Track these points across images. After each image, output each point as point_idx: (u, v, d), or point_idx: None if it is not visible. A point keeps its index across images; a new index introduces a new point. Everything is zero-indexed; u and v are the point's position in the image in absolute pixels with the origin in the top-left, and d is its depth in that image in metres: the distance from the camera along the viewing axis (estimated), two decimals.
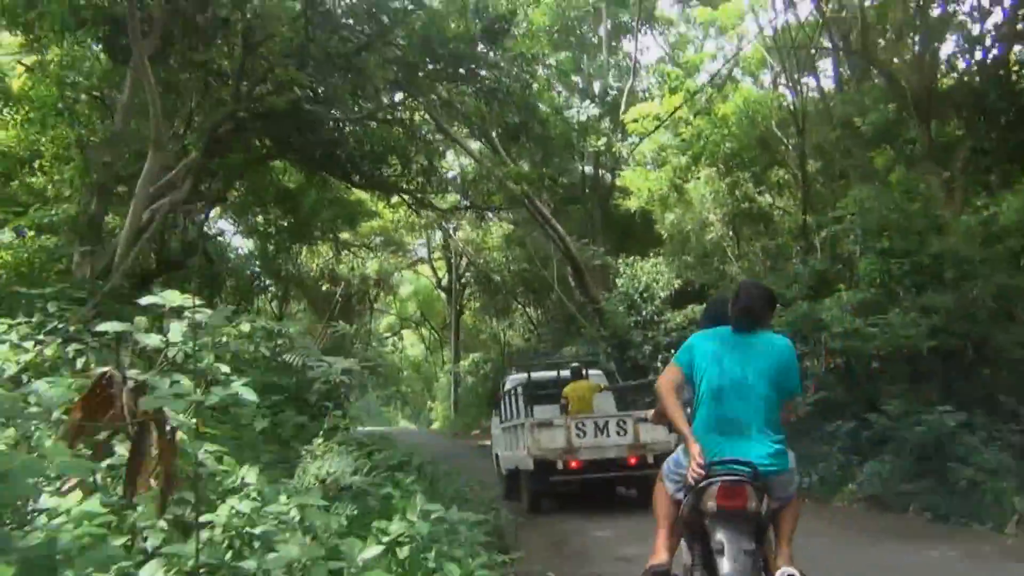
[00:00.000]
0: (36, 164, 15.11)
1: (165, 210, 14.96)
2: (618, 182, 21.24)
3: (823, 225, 13.97)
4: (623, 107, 22.48)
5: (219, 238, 27.07)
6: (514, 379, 14.82)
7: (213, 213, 28.74)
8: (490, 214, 34.55)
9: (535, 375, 13.98)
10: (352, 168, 17.75)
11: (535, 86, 17.95)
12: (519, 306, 36.52)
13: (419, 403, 59.95)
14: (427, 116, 19.05)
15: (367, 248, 37.25)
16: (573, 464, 11.09)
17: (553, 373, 14.23)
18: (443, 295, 43.90)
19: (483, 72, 14.67)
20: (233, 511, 2.86)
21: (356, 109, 15.87)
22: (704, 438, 4.04)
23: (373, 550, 3.17)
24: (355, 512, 4.02)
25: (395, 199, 20.70)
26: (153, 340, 3.56)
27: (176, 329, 3.63)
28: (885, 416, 10.88)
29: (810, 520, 10.08)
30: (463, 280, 41.37)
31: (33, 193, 15.14)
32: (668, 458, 4.51)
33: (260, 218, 26.39)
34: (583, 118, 22.08)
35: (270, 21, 13.33)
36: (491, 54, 14.87)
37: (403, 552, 4.05)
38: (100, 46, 15.21)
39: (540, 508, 11.94)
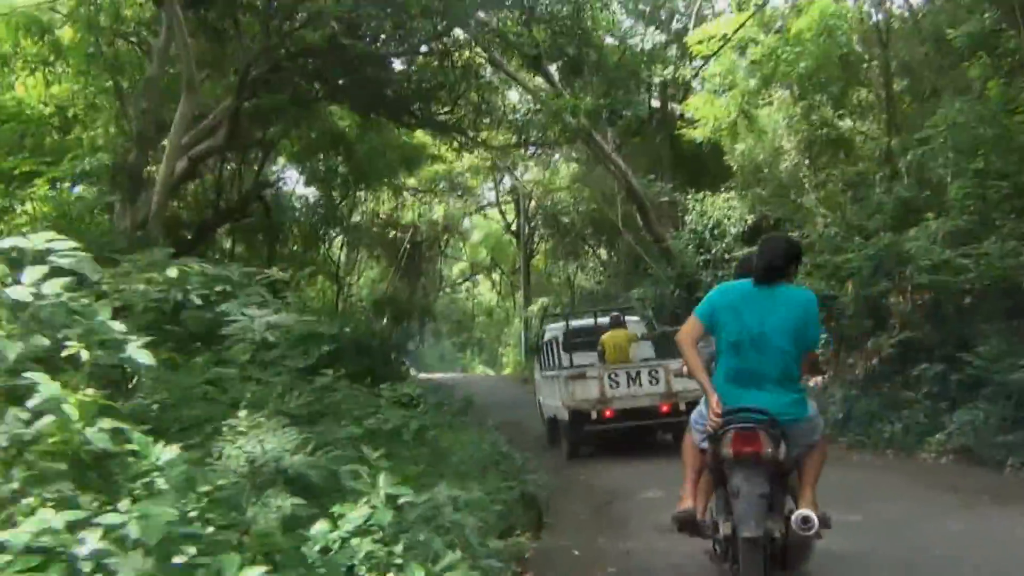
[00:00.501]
0: (69, 114, 14.65)
1: (202, 156, 14.44)
2: (683, 110, 19.82)
3: (909, 147, 12.57)
4: (691, 32, 20.99)
5: (279, 186, 26.56)
6: (553, 327, 15.16)
7: (280, 162, 28.53)
8: (557, 153, 33.66)
9: (574, 323, 14.43)
10: (401, 108, 16.95)
11: (588, 9, 16.71)
12: (589, 248, 35.42)
13: (494, 349, 59.74)
14: (479, 49, 18.04)
15: (432, 193, 36.52)
16: (608, 414, 11.57)
17: (591, 321, 14.49)
18: (513, 239, 43.01)
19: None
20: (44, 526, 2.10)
21: (398, 41, 14.99)
22: (723, 389, 4.24)
23: (254, 571, 2.40)
24: (288, 506, 3.25)
25: (450, 138, 19.70)
26: (21, 293, 2.82)
27: (32, 275, 2.86)
28: (979, 358, 9.64)
29: (892, 475, 9.10)
30: (532, 223, 40.43)
31: (65, 147, 14.78)
32: (695, 409, 4.76)
33: (320, 165, 25.85)
34: (648, 46, 20.72)
35: None
36: None
37: (361, 546, 3.30)
38: None
39: (579, 454, 12.30)
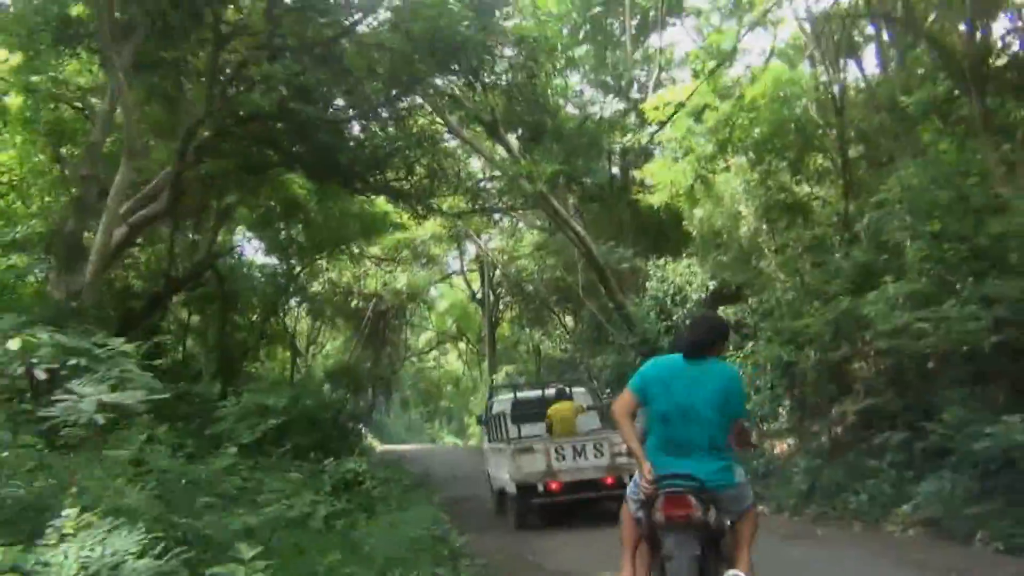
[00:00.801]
0: (4, 179, 14.14)
1: (144, 224, 13.95)
2: (638, 175, 19.68)
3: (865, 211, 12.41)
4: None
5: (236, 254, 26.03)
6: (501, 399, 15.32)
7: (240, 230, 28.06)
8: (520, 221, 33.53)
9: (521, 395, 14.64)
10: (354, 175, 16.61)
11: (543, 76, 16.61)
12: (554, 315, 35.08)
13: (463, 418, 58.84)
14: (434, 115, 17.88)
15: (394, 262, 36.15)
16: (554, 486, 11.68)
17: (539, 393, 14.67)
18: (479, 307, 42.63)
19: (475, 61, 13.16)
20: None
21: (348, 107, 14.73)
22: (655, 457, 4.46)
23: None
24: None
25: (406, 206, 19.35)
26: None
27: None
28: (942, 425, 9.28)
29: (857, 552, 8.50)
30: (497, 291, 40.13)
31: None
32: (630, 483, 4.84)
33: (279, 233, 25.43)
34: (607, 113, 20.74)
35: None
36: (486, 40, 13.43)
37: None
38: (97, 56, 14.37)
39: (527, 524, 12.15)
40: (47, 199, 14.17)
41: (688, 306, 18.60)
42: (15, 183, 14.36)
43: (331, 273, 34.12)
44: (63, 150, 14.45)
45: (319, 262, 30.97)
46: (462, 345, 50.73)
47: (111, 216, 12.64)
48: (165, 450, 6.40)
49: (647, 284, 19.76)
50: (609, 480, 11.37)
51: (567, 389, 14.35)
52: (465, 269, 42.96)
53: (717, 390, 4.50)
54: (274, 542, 4.81)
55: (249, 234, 27.71)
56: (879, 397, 11.63)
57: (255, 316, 27.98)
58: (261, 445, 14.32)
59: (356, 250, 31.96)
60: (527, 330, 38.13)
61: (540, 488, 11.69)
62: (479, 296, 41.70)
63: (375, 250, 35.01)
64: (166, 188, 13.50)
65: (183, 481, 5.10)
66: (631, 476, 5.03)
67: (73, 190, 14.07)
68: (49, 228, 13.64)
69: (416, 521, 8.58)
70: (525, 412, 13.65)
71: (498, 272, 37.72)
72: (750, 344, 16.08)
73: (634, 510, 4.65)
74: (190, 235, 22.54)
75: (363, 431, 33.94)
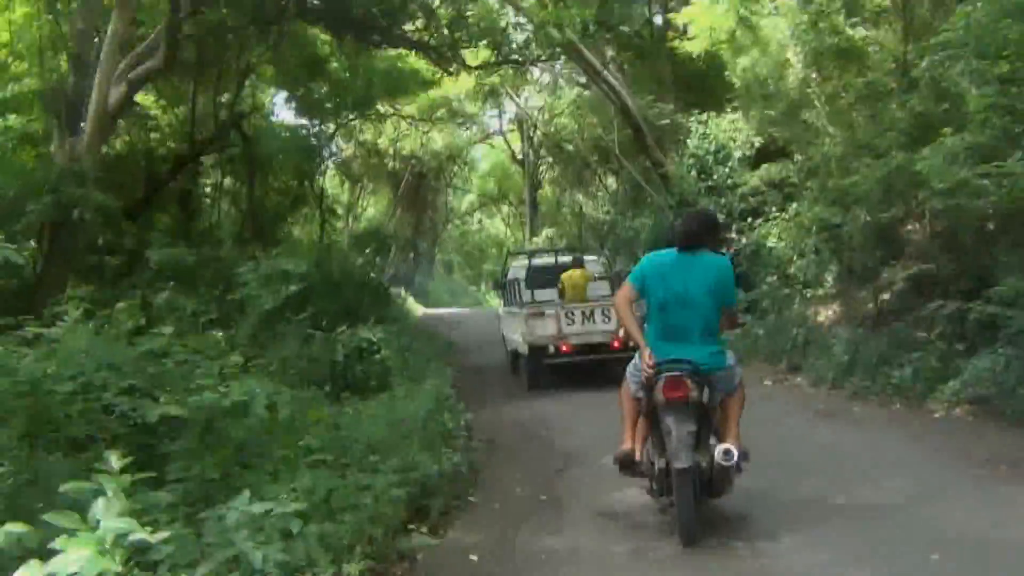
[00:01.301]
0: None
1: (142, 80, 13.14)
2: (677, 19, 18.09)
3: (925, 53, 11.03)
4: None
5: (262, 115, 25.10)
6: (517, 265, 15.93)
7: (271, 91, 27.08)
8: (561, 78, 32.00)
9: (535, 262, 15.35)
10: (369, 24, 15.49)
11: None
12: (596, 176, 33.91)
13: None
14: None
15: (430, 122, 34.96)
16: (564, 348, 12.52)
17: (552, 260, 15.42)
18: (520, 169, 41.52)
19: None
20: None
21: None
22: (654, 344, 4.89)
23: None
24: None
25: (426, 57, 18.15)
26: None
27: None
28: (1000, 294, 8.34)
29: (895, 435, 7.55)
30: (538, 152, 38.91)
31: None
32: (629, 364, 5.30)
33: (302, 91, 24.39)
34: None
35: None
36: None
37: None
38: None
39: (539, 385, 12.79)
40: (47, 55, 13.30)
41: (730, 164, 17.48)
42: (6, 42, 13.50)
43: (366, 134, 33.07)
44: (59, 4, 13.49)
45: (352, 123, 30.05)
46: (504, 208, 49.86)
47: (105, 72, 11.86)
48: (95, 328, 5.74)
49: (687, 142, 18.55)
50: (615, 344, 11.33)
51: (580, 257, 14.82)
52: (505, 129, 41.67)
53: (710, 279, 4.92)
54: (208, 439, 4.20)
55: (275, 92, 26.72)
56: (931, 263, 10.65)
57: (284, 180, 27.34)
58: (284, 312, 13.95)
59: (389, 109, 30.93)
60: (568, 192, 37.11)
61: (551, 350, 12.57)
62: (520, 157, 40.56)
63: (410, 109, 33.88)
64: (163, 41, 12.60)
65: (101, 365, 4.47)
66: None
67: (70, 46, 13.23)
68: (49, 87, 12.88)
69: (421, 395, 8.06)
70: (539, 278, 14.33)
71: (538, 132, 36.45)
72: (794, 205, 15.04)
73: (634, 390, 5.13)
74: (213, 95, 21.67)
75: (398, 295, 33.87)
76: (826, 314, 14.68)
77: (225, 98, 21.79)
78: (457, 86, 31.45)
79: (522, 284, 14.36)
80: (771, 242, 15.49)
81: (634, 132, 19.12)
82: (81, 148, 12.41)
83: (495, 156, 46.54)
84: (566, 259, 14.80)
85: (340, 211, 36.57)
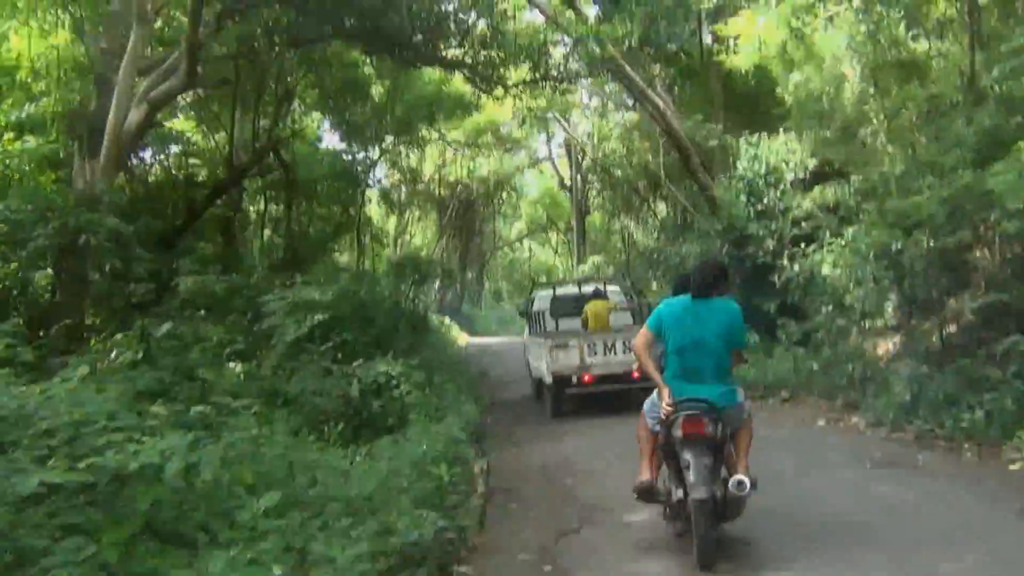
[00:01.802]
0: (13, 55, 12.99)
1: (163, 101, 12.74)
2: (723, 32, 17.20)
3: (994, 63, 10.08)
4: None
5: (304, 140, 24.77)
6: (542, 295, 16.59)
7: (315, 116, 26.82)
8: (610, 102, 31.27)
9: (560, 292, 16.00)
10: (404, 43, 14.95)
11: None
12: (644, 202, 33.06)
13: None
14: None
15: (476, 147, 34.51)
16: (586, 379, 12.87)
17: (576, 290, 15.97)
18: (568, 195, 40.84)
19: None
20: None
21: None
22: (672, 383, 5.38)
23: None
24: None
25: (464, 77, 17.55)
26: None
27: None
28: None
29: (968, 485, 6.62)
30: (586, 178, 38.20)
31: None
32: (646, 400, 5.77)
33: (345, 115, 24.00)
34: None
35: None
36: None
37: None
38: None
39: (561, 413, 13.35)
40: (70, 75, 13.00)
41: (782, 187, 16.50)
42: (31, 61, 13.18)
43: (409, 160, 32.69)
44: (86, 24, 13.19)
45: (397, 148, 29.68)
46: (553, 235, 49.18)
47: (123, 92, 11.46)
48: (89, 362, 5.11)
49: (737, 164, 17.64)
50: (635, 374, 11.46)
51: (602, 288, 15.33)
52: (554, 156, 41.11)
53: (722, 324, 5.36)
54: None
55: (321, 118, 26.42)
56: (1003, 292, 9.61)
57: (331, 206, 27.00)
58: (308, 340, 13.40)
59: (433, 134, 30.51)
60: (617, 218, 36.26)
61: (574, 380, 12.95)
62: (568, 183, 39.89)
63: (455, 135, 33.49)
64: (185, 58, 12.18)
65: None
66: None
67: (94, 65, 12.90)
68: (69, 108, 12.54)
69: (428, 439, 7.32)
70: (563, 308, 15.17)
71: (587, 157, 35.76)
72: (850, 230, 14.02)
73: (651, 425, 5.55)
74: (253, 120, 21.42)
75: (443, 323, 33.24)
76: (885, 348, 13.62)
77: (265, 123, 21.51)
78: (503, 111, 30.98)
79: (547, 314, 15.44)
80: (826, 269, 14.47)
81: (680, 155, 18.29)
82: (96, 170, 12.02)
83: (544, 183, 46.00)
84: (589, 290, 15.32)
85: (386, 239, 36.30)
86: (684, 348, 5.36)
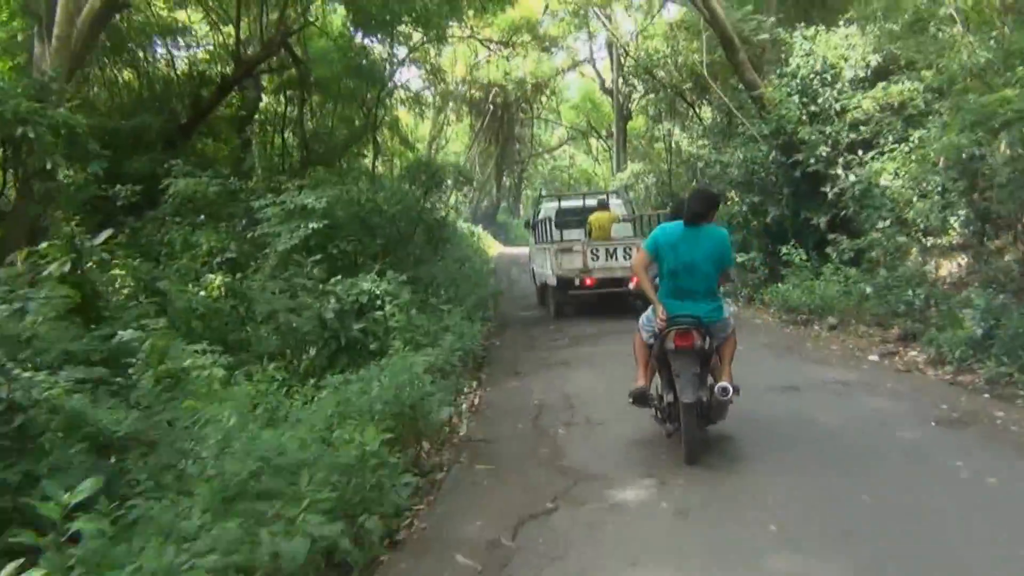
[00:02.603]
0: None
1: None
2: None
3: None
4: None
5: (317, 33, 22.94)
6: (547, 206, 17.13)
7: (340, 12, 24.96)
8: None
9: (564, 203, 16.73)
10: None
11: None
12: (688, 106, 30.87)
13: None
14: None
15: (512, 47, 32.40)
16: (588, 282, 13.69)
17: (580, 202, 16.76)
18: (609, 99, 38.59)
19: None
20: None
21: None
22: (666, 301, 5.88)
23: None
24: None
25: None
26: None
27: None
28: None
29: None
30: (628, 80, 35.85)
31: None
32: (642, 316, 6.27)
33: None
34: None
35: None
36: None
37: None
38: None
39: (563, 314, 14.52)
40: None
41: (838, 86, 14.62)
42: None
43: (439, 58, 30.75)
44: None
45: (423, 45, 27.76)
46: (593, 141, 47.07)
47: None
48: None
49: (789, 61, 15.72)
50: (634, 280, 11.52)
51: (606, 200, 15.98)
52: (596, 58, 38.78)
53: (712, 249, 5.83)
54: None
55: (342, 13, 24.52)
56: None
57: (352, 107, 25.39)
58: (300, 251, 12.17)
59: (463, 31, 28.55)
60: (660, 124, 34.05)
61: (577, 282, 13.80)
62: (609, 86, 37.63)
63: (489, 33, 31.45)
64: None
65: None
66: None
67: None
68: None
69: (395, 376, 6.01)
70: (567, 219, 15.73)
71: (629, 58, 33.41)
72: (917, 134, 12.25)
73: (646, 338, 6.09)
74: (261, 10, 19.81)
75: (471, 232, 31.83)
76: (949, 269, 12.02)
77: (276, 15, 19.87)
78: (539, 4, 28.90)
79: (552, 224, 15.75)
80: (885, 179, 12.77)
81: (725, 49, 16.37)
82: (66, 57, 10.68)
83: (586, 86, 43.71)
84: (592, 202, 16.01)
85: (420, 144, 34.68)
86: (677, 270, 5.82)
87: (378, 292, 9.04)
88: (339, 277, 9.47)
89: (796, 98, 14.95)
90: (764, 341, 10.81)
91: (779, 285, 14.08)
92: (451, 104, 38.42)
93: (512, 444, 6.39)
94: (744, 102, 17.31)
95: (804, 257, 14.01)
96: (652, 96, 32.46)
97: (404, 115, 33.59)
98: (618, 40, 32.16)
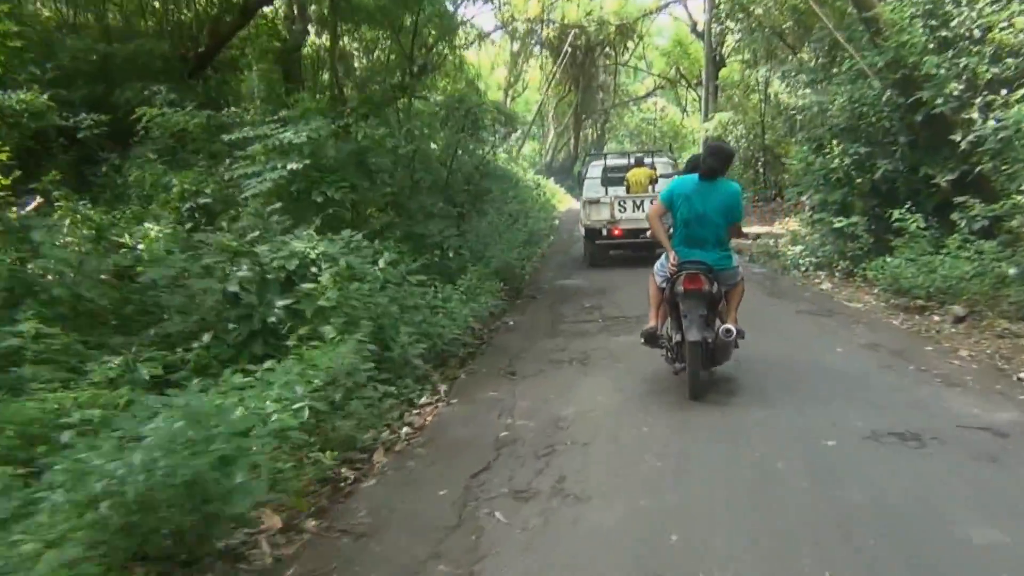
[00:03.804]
0: None
1: None
2: None
3: None
4: None
5: None
6: (595, 164, 17.46)
7: None
8: None
9: (610, 161, 17.01)
10: None
11: None
12: (789, 49, 27.24)
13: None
14: None
15: None
16: (616, 232, 14.81)
17: (626, 160, 16.84)
18: (700, 42, 34.99)
19: None
20: None
21: None
22: (678, 248, 6.22)
23: None
24: None
25: None
26: None
27: None
28: None
29: None
30: (723, 22, 32.18)
31: None
32: (656, 262, 6.62)
33: None
34: None
35: None
36: None
37: None
38: None
39: (596, 263, 15.29)
40: None
41: (979, 6, 11.27)
42: None
43: None
44: None
45: None
46: (681, 91, 43.42)
47: None
48: None
49: None
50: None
51: (644, 158, 16.21)
52: None
53: (723, 203, 6.14)
54: None
55: None
56: None
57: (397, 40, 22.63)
58: (296, 199, 9.88)
59: None
60: (756, 69, 30.39)
61: (604, 232, 14.77)
62: (700, 29, 34.02)
63: None
64: None
65: None
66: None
67: None
68: None
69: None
70: (613, 176, 16.06)
71: None
72: None
73: (659, 281, 6.41)
74: None
75: (536, 185, 29.03)
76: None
77: None
78: None
79: (598, 180, 16.21)
80: None
81: None
82: None
83: (677, 31, 40.03)
84: (643, 159, 16.20)
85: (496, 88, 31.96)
86: (690, 220, 6.16)
87: (313, 256, 6.51)
88: (257, 234, 7.00)
89: (921, 20, 11.71)
90: (865, 339, 7.93)
91: (887, 259, 11.06)
92: (526, 46, 35.49)
93: (391, 550, 3.74)
94: (853, 31, 14.05)
95: (922, 224, 10.92)
96: (748, 38, 28.89)
97: (477, 59, 30.93)
98: None
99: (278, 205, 8.72)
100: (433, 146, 13.55)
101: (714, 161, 6.16)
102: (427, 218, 11.28)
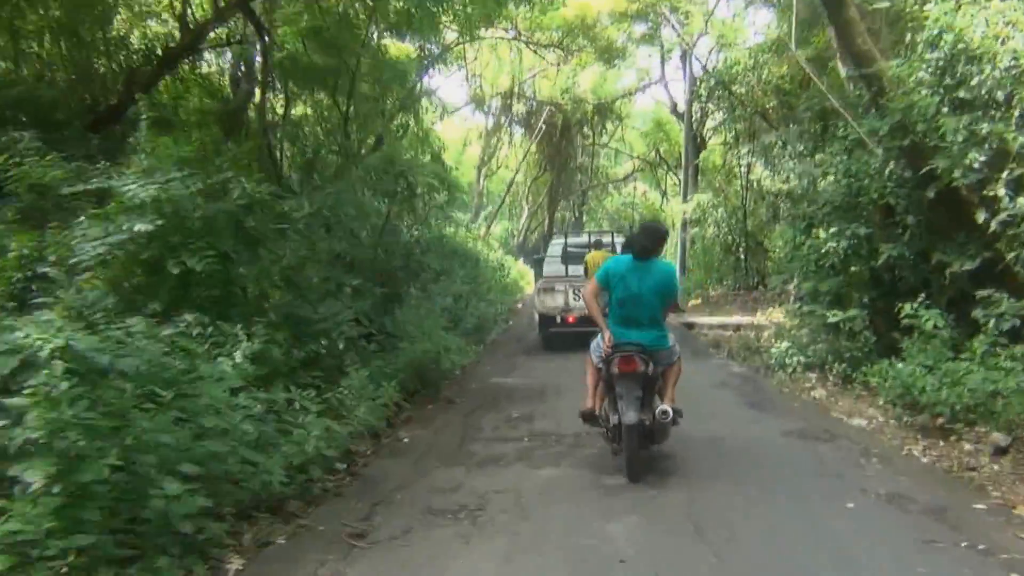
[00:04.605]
0: None
1: None
2: None
3: None
4: None
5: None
6: (555, 243, 18.26)
7: None
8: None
9: (570, 241, 17.21)
10: None
11: None
12: (772, 129, 25.58)
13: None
14: None
15: (561, 50, 27.67)
16: (569, 319, 14.54)
17: (586, 239, 17.12)
18: (680, 123, 33.47)
19: None
20: None
21: None
22: (614, 328, 6.31)
23: None
24: None
25: None
26: None
27: None
28: None
29: None
30: (704, 102, 30.67)
31: None
32: (592, 342, 6.66)
33: None
34: None
35: None
36: None
37: None
38: None
39: (551, 348, 14.84)
40: None
41: (1004, 63, 9.33)
42: None
43: (474, 62, 26.25)
44: None
45: (460, 47, 23.24)
46: (660, 172, 41.86)
47: None
48: None
49: (918, 38, 10.51)
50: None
51: (602, 240, 16.19)
52: (667, 79, 33.83)
53: (658, 282, 6.26)
54: None
55: None
56: None
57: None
58: (154, 272, 7.75)
59: (506, 29, 24.02)
60: (737, 150, 28.64)
61: (558, 320, 14.75)
62: (680, 110, 32.53)
63: (539, 38, 26.90)
64: None
65: None
66: None
67: None
68: None
69: None
70: (573, 256, 15.98)
71: (704, 74, 28.31)
72: None
73: (596, 361, 6.46)
74: None
75: (500, 267, 27.01)
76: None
77: None
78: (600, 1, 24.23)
79: (557, 259, 16.44)
80: None
81: (829, 16, 11.31)
82: None
83: (656, 112, 38.67)
84: (595, 240, 16.22)
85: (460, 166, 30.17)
86: (625, 300, 6.27)
87: (45, 353, 4.21)
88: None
89: (930, 78, 9.80)
90: (884, 486, 5.77)
91: (893, 362, 8.88)
92: (500, 124, 33.98)
93: None
94: (849, 97, 12.18)
95: (940, 323, 8.79)
96: (730, 116, 27.27)
97: (447, 134, 29.21)
98: (688, 43, 27.15)
99: (99, 282, 6.49)
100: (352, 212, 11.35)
101: (647, 241, 6.36)
102: (325, 297, 9.06)
